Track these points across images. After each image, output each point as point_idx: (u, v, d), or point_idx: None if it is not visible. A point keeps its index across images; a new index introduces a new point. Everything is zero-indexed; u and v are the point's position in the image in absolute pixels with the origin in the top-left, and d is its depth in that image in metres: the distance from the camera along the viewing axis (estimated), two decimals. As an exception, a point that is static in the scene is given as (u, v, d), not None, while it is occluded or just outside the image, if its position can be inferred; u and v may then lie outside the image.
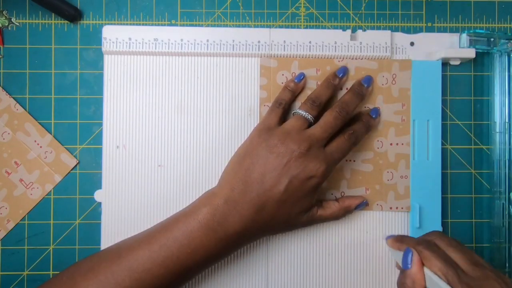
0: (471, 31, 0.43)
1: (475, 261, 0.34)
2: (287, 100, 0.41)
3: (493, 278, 0.32)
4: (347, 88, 0.43)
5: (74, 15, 0.43)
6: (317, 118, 0.39)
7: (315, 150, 0.37)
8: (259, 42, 0.42)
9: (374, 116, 0.42)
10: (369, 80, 0.42)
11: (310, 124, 0.39)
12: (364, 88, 0.42)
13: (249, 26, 0.45)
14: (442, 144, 0.44)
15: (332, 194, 0.42)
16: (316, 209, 0.39)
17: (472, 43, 0.43)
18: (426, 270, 0.34)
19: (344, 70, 0.42)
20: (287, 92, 0.41)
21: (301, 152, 0.36)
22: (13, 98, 0.43)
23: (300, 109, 0.39)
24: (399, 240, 0.39)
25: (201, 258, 0.36)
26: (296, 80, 0.42)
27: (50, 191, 0.43)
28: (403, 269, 0.35)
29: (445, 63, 0.44)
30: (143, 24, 0.44)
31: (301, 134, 0.37)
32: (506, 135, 0.43)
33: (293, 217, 0.38)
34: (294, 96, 0.42)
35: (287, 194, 0.36)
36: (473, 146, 0.45)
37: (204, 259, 0.36)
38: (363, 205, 0.42)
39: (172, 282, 0.36)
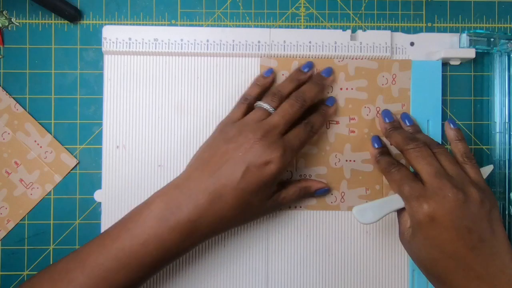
0: (471, 31, 0.43)
1: (438, 172, 0.36)
2: (254, 95, 0.41)
3: (448, 188, 0.34)
4: (341, 89, 0.43)
5: (74, 15, 0.43)
6: None
7: (272, 137, 0.37)
8: (259, 42, 0.42)
9: (329, 104, 0.42)
10: (329, 72, 0.42)
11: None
12: (323, 78, 0.42)
13: (249, 26, 0.45)
14: (443, 144, 0.44)
15: (332, 194, 0.42)
16: (279, 193, 0.39)
17: (472, 43, 0.43)
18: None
19: (310, 65, 0.42)
20: (255, 87, 0.41)
21: (257, 138, 0.36)
22: (13, 98, 0.43)
23: (261, 102, 0.39)
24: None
25: (154, 249, 0.35)
26: (265, 75, 0.42)
27: (50, 191, 0.43)
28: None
29: (445, 63, 0.44)
30: (143, 24, 0.44)
31: (259, 123, 0.38)
32: (506, 135, 0.43)
33: (256, 205, 0.37)
34: (263, 91, 0.41)
35: (245, 181, 0.36)
36: (473, 146, 0.45)
37: (157, 251, 0.35)
38: (324, 191, 0.42)
39: (128, 278, 0.35)
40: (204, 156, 0.37)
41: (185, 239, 0.36)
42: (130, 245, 0.34)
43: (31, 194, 0.43)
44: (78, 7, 0.44)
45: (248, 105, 0.40)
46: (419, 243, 0.35)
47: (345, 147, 0.43)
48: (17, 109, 0.43)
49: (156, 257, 0.35)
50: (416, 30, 0.45)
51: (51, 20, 0.44)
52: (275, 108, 0.39)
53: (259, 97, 0.41)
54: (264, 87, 0.42)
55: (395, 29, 0.45)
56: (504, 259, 0.34)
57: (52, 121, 0.43)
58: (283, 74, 0.43)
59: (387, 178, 0.39)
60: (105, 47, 0.42)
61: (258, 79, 0.42)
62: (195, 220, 0.35)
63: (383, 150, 0.41)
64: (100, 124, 0.43)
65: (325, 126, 0.43)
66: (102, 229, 0.42)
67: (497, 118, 0.44)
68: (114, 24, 0.44)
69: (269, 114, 0.39)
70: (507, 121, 0.44)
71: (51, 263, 0.43)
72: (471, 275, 0.33)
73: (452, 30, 0.45)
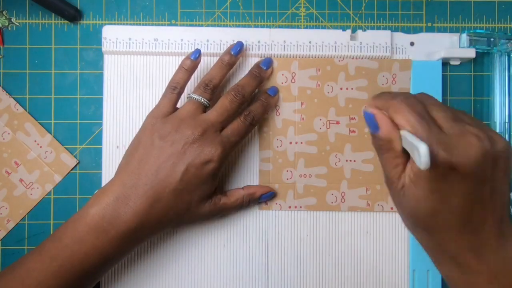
0: (471, 31, 0.43)
1: (456, 117, 0.29)
2: (182, 83, 0.39)
3: (471, 133, 0.28)
4: (341, 88, 0.43)
5: (74, 15, 0.43)
6: (212, 100, 0.39)
7: (211, 134, 0.36)
8: (259, 42, 0.42)
9: (272, 94, 0.41)
10: (268, 62, 0.41)
11: (205, 108, 0.38)
12: (262, 70, 0.41)
13: (249, 26, 0.45)
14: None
15: (332, 194, 0.42)
16: (220, 197, 0.39)
17: (472, 43, 0.43)
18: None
19: (237, 48, 0.40)
20: (183, 72, 0.39)
21: (196, 137, 0.36)
22: (13, 98, 0.43)
23: (194, 94, 0.38)
24: (375, 99, 0.32)
25: (97, 260, 0.34)
26: (192, 58, 0.39)
27: (50, 191, 0.43)
28: (373, 134, 0.31)
29: (445, 63, 0.45)
30: (143, 24, 0.44)
31: (196, 119, 0.37)
32: (506, 135, 0.43)
33: (194, 206, 0.37)
34: (191, 75, 0.39)
35: (184, 182, 0.35)
36: (473, 146, 0.45)
37: (100, 261, 0.34)
38: (270, 196, 0.41)
39: (75, 286, 0.34)
40: (138, 155, 0.36)
41: (126, 245, 0.35)
42: (70, 261, 0.33)
43: (31, 194, 0.43)
44: (78, 7, 0.44)
45: (177, 94, 0.38)
46: (420, 193, 0.29)
47: (345, 147, 0.43)
48: (17, 109, 0.43)
49: (98, 266, 0.35)
50: (416, 30, 0.45)
51: (51, 20, 0.44)
52: (209, 100, 0.38)
53: (187, 82, 0.39)
54: (193, 70, 0.39)
55: (395, 29, 0.45)
56: (505, 223, 0.30)
57: (52, 121, 0.43)
58: (283, 74, 0.43)
59: (392, 112, 0.30)
60: (105, 47, 0.42)
61: (185, 62, 0.39)
62: (135, 227, 0.35)
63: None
64: (100, 124, 0.43)
65: (325, 126, 0.43)
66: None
67: (497, 118, 0.44)
68: (114, 24, 0.44)
69: (203, 106, 0.38)
70: (507, 121, 0.44)
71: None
72: (467, 229, 0.29)
73: (452, 30, 0.45)
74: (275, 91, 0.42)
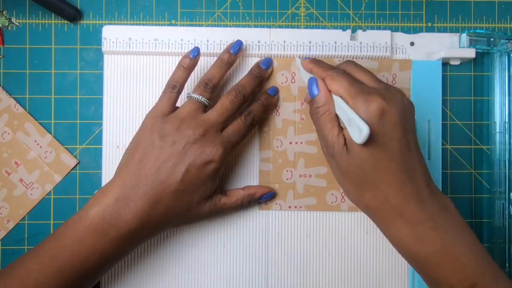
0: (471, 31, 0.43)
1: (379, 80, 0.35)
2: (182, 82, 0.38)
3: (394, 89, 0.34)
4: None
5: (74, 15, 0.43)
6: (212, 99, 0.38)
7: (211, 135, 0.36)
8: (259, 42, 0.42)
9: (272, 94, 0.41)
10: (268, 62, 0.41)
11: (205, 107, 0.38)
12: (262, 70, 0.41)
13: (249, 26, 0.45)
14: (442, 144, 0.44)
15: (332, 194, 0.42)
16: (220, 197, 0.39)
17: (472, 43, 0.43)
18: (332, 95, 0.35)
19: (237, 46, 0.40)
20: (182, 71, 0.38)
21: (197, 137, 0.36)
22: (13, 98, 0.43)
23: (193, 93, 0.38)
24: (314, 63, 0.38)
25: (97, 261, 0.34)
26: (191, 56, 0.39)
27: (50, 191, 0.43)
28: (312, 98, 0.36)
29: (445, 63, 0.45)
30: (143, 24, 0.44)
31: (196, 119, 0.37)
32: (506, 135, 0.43)
33: (195, 206, 0.37)
34: (190, 74, 0.39)
35: (185, 183, 0.35)
36: (473, 146, 0.45)
37: (100, 261, 0.34)
38: (270, 196, 0.41)
39: (74, 287, 0.34)
40: (137, 156, 0.36)
41: (127, 246, 0.35)
42: (70, 261, 0.33)
43: (31, 194, 0.43)
44: (78, 7, 0.44)
45: (177, 93, 0.38)
46: (362, 145, 0.32)
47: (345, 147, 0.43)
48: (17, 109, 0.43)
49: (98, 267, 0.35)
50: (416, 30, 0.45)
51: (51, 20, 0.44)
52: (209, 99, 0.38)
53: (186, 81, 0.39)
54: (192, 69, 0.39)
55: (395, 29, 0.45)
56: (428, 174, 0.35)
57: (52, 121, 0.43)
58: (283, 74, 0.43)
59: (329, 83, 0.35)
60: (105, 47, 0.42)
61: (184, 61, 0.38)
62: (135, 228, 0.35)
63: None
64: (100, 124, 0.43)
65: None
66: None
67: (497, 118, 0.44)
68: (114, 24, 0.44)
69: (203, 106, 0.38)
70: (507, 121, 0.44)
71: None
72: (406, 177, 0.33)
73: (452, 30, 0.45)
74: (275, 91, 0.42)
